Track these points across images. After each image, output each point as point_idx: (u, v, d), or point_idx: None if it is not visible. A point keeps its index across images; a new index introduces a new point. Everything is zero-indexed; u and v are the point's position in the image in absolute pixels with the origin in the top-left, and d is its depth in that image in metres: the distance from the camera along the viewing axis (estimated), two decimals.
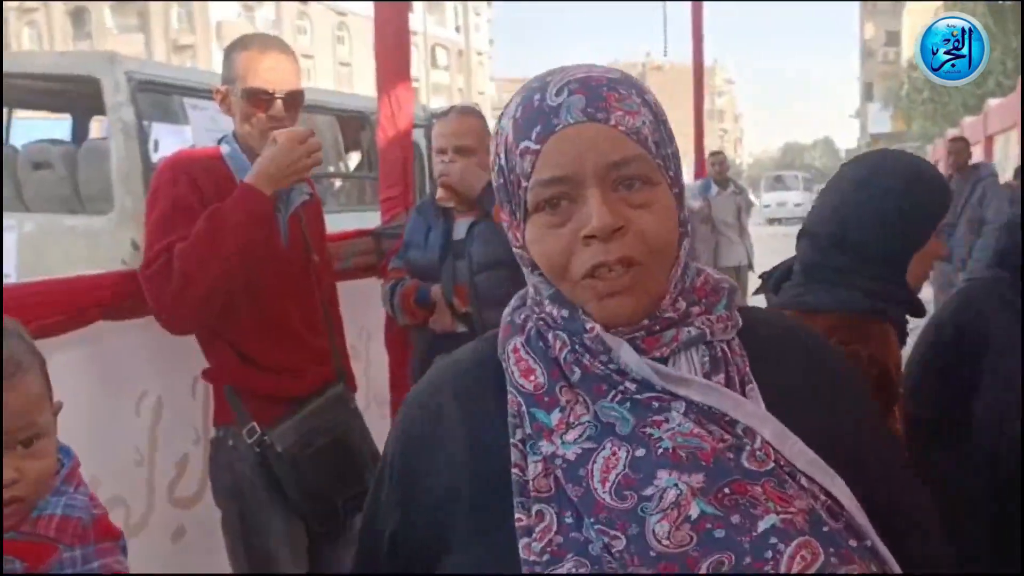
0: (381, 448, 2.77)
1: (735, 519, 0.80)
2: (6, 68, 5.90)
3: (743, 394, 0.89)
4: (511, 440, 0.88)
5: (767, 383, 0.92)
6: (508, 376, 0.93)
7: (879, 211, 1.60)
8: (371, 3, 3.28)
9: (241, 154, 2.21)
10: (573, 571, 0.80)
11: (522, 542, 0.83)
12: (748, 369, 0.92)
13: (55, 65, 6.51)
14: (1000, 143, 15.72)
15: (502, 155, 0.92)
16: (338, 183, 9.01)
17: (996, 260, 2.00)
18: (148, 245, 2.07)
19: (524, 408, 0.89)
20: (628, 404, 0.87)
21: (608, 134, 0.87)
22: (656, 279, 0.89)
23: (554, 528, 0.83)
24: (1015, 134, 14.21)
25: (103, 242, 5.60)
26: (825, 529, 0.81)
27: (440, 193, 2.71)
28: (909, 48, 40.22)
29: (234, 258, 2.03)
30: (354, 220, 4.24)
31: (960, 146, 7.94)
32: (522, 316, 0.97)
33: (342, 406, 2.35)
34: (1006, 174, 9.46)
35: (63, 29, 47.21)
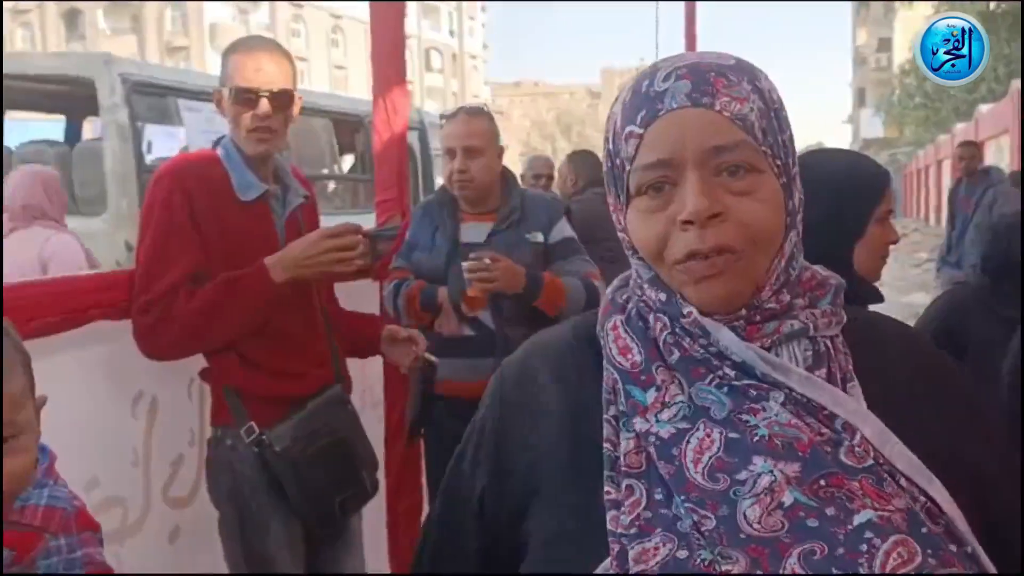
0: (378, 450, 2.77)
1: (830, 511, 0.78)
2: None
3: (844, 391, 0.88)
4: (604, 415, 0.89)
5: (870, 383, 0.90)
6: (605, 353, 0.93)
7: (804, 212, 1.64)
8: (366, 6, 3.29)
9: (236, 156, 2.21)
10: (661, 545, 0.80)
11: (610, 515, 0.83)
12: (851, 367, 0.91)
13: (49, 66, 6.52)
14: (991, 149, 15.80)
15: (610, 140, 0.93)
16: (332, 185, 9.01)
17: (980, 265, 2.04)
18: (142, 276, 2.09)
19: (620, 385, 0.90)
20: (726, 389, 0.86)
21: (712, 119, 0.86)
22: (755, 268, 0.88)
23: (643, 503, 0.83)
24: (1006, 140, 14.29)
25: (98, 243, 5.59)
26: (924, 530, 0.79)
27: (475, 293, 2.63)
28: (901, 54, 40.37)
29: (233, 333, 2.16)
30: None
31: (971, 151, 7.86)
32: (624, 296, 0.98)
33: (340, 407, 2.36)
34: None
35: (56, 30, 47.09)
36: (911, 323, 2.08)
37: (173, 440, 2.33)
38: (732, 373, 0.87)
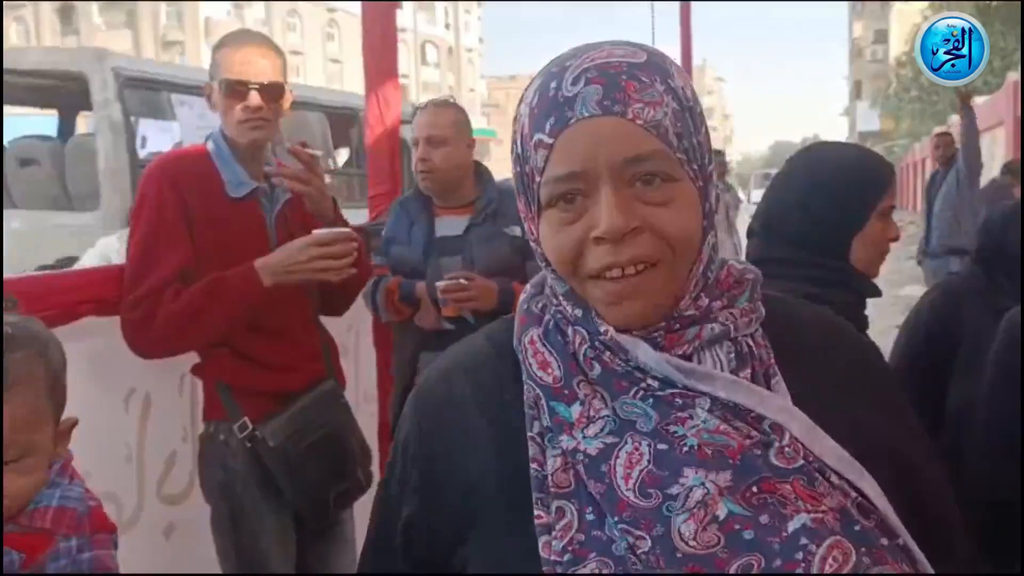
0: (372, 446, 2.76)
1: (764, 519, 0.77)
2: None
3: (768, 387, 0.87)
4: (529, 433, 0.86)
5: (793, 375, 0.89)
6: (525, 367, 0.90)
7: (806, 202, 1.66)
8: (359, 1, 3.28)
9: (226, 150, 2.21)
10: (597, 571, 0.78)
11: (542, 540, 0.81)
12: (773, 361, 0.89)
13: (42, 61, 6.48)
14: (986, 141, 15.80)
15: (518, 144, 0.88)
16: (327, 180, 8.98)
17: (973, 257, 2.04)
18: (131, 273, 2.09)
19: (543, 400, 0.86)
20: (651, 401, 0.84)
21: (624, 128, 0.81)
22: (674, 278, 0.85)
23: (575, 526, 0.80)
24: (1001, 132, 14.29)
25: (92, 239, 5.57)
26: (857, 528, 0.79)
27: (451, 313, 2.68)
28: (897, 46, 40.35)
29: (218, 333, 2.15)
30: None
31: (946, 140, 7.95)
32: (539, 305, 0.94)
33: (333, 401, 2.35)
34: (992, 172, 9.50)
35: (51, 26, 46.95)
36: (905, 316, 2.09)
37: (166, 436, 2.32)
38: (655, 384, 0.85)
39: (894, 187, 1.72)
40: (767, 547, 0.76)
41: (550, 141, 0.84)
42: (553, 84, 0.85)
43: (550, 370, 0.88)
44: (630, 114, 0.82)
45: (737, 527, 0.77)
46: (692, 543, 0.77)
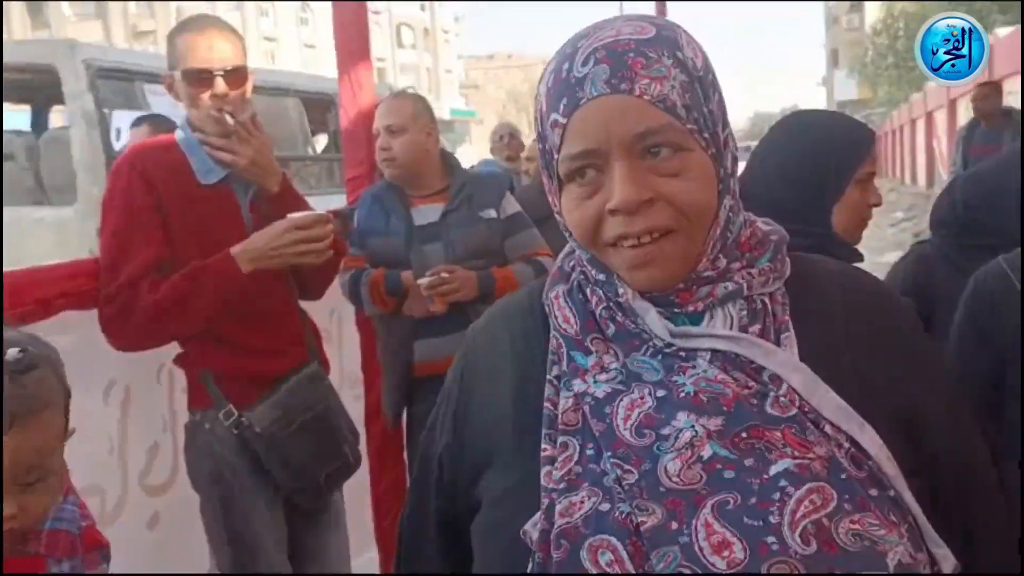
0: (358, 424, 2.76)
1: (748, 462, 0.82)
2: None
3: (777, 343, 0.90)
4: (547, 376, 0.93)
5: (807, 331, 0.92)
6: (551, 319, 0.97)
7: (785, 170, 1.67)
8: None
9: (195, 139, 2.19)
10: (586, 499, 0.84)
11: (544, 470, 0.87)
12: (787, 318, 0.93)
13: (12, 55, 6.40)
14: (963, 106, 15.86)
15: (538, 123, 0.94)
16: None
17: (935, 223, 2.06)
18: (106, 267, 2.07)
19: (564, 349, 0.94)
20: (659, 357, 0.90)
21: (632, 105, 0.86)
22: (691, 244, 0.90)
23: (575, 458, 0.87)
24: None
25: (70, 232, 5.55)
26: (843, 476, 0.81)
27: (438, 308, 2.71)
28: (873, 14, 40.35)
29: (199, 322, 2.13)
30: (324, 203, 4.21)
31: (986, 91, 7.16)
32: (571, 263, 1.01)
33: (318, 383, 2.35)
34: None
35: (20, 19, 46.29)
36: None
37: (147, 427, 2.32)
38: (661, 343, 0.91)
39: (874, 153, 1.72)
40: (746, 487, 0.80)
41: (563, 121, 0.89)
42: (566, 65, 0.90)
43: (569, 325, 0.95)
44: (637, 90, 0.86)
45: (719, 467, 0.82)
46: (676, 479, 0.82)
